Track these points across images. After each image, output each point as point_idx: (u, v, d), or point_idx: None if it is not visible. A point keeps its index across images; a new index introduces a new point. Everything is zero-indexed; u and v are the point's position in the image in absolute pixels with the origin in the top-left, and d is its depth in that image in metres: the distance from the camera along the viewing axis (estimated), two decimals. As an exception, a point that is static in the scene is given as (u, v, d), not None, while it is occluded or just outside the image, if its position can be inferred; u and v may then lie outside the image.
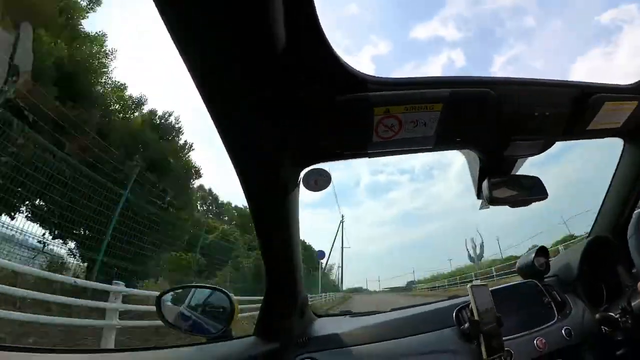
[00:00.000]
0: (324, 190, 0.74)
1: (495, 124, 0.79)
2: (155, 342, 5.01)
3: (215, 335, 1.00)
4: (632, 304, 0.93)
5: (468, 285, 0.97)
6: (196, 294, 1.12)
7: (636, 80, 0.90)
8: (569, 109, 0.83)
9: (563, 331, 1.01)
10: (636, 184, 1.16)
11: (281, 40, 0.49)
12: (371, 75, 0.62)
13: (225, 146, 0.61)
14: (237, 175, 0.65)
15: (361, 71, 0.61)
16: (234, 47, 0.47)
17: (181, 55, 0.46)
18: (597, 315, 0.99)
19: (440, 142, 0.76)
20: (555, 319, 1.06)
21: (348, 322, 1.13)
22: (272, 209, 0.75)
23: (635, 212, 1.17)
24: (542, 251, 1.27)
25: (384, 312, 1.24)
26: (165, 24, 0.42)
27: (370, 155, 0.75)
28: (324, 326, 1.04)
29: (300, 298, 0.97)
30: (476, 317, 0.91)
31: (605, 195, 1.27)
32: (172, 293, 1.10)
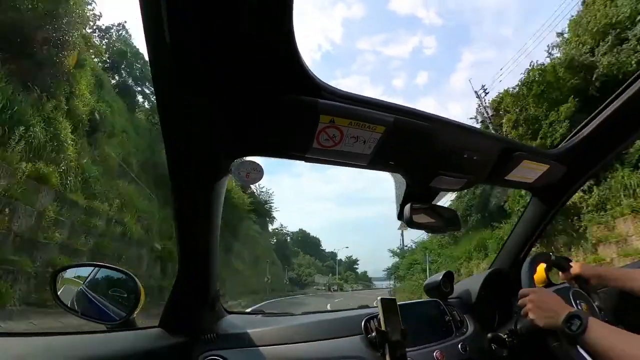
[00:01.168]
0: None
1: (428, 156, 0.87)
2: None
3: (118, 323, 0.92)
4: (518, 326, 1.10)
5: (378, 298, 1.04)
6: (99, 274, 1.00)
7: (555, 148, 1.10)
8: (494, 159, 0.97)
9: (459, 346, 1.15)
10: (535, 231, 1.39)
11: (244, 28, 0.48)
12: (325, 83, 0.63)
13: (160, 116, 0.58)
14: (166, 148, 0.61)
15: (317, 76, 0.61)
16: (194, 22, 0.46)
17: (145, 34, 0.45)
18: (489, 335, 1.14)
19: (375, 162, 0.81)
20: (454, 335, 1.19)
21: (259, 322, 1.12)
22: (196, 194, 0.72)
23: (531, 253, 1.41)
24: (448, 275, 1.43)
25: (297, 314, 1.26)
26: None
27: (307, 160, 0.76)
28: (234, 323, 1.02)
29: (213, 291, 0.93)
30: (383, 328, 0.97)
31: (509, 235, 1.51)
32: (71, 270, 0.98)
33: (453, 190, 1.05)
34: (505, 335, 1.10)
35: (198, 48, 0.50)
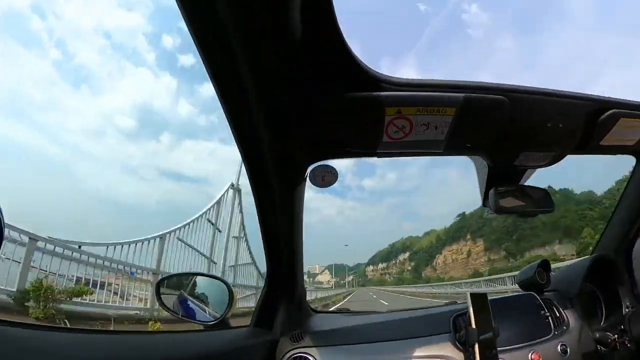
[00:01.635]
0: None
1: (507, 132, 0.78)
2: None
3: (213, 323, 1.01)
4: (631, 325, 0.92)
5: (467, 293, 0.96)
6: (196, 281, 1.13)
7: None
8: (583, 123, 0.82)
9: (559, 347, 1.00)
10: None
11: (297, 35, 0.49)
12: (385, 75, 0.62)
13: (235, 138, 0.61)
14: (245, 167, 0.66)
15: (375, 70, 0.60)
16: (249, 42, 0.47)
17: (199, 51, 0.47)
18: (596, 335, 0.97)
19: (450, 147, 0.76)
20: (552, 334, 1.05)
21: (344, 320, 1.14)
22: (277, 202, 0.75)
23: None
24: (544, 264, 1.26)
25: (381, 312, 1.24)
26: (187, 24, 0.43)
27: (379, 155, 0.75)
28: (320, 322, 1.05)
29: (299, 292, 0.97)
30: (473, 326, 0.90)
31: (613, 213, 1.26)
32: (172, 279, 1.11)
33: (541, 166, 0.92)
34: (615, 336, 0.93)
35: (255, 53, 0.51)
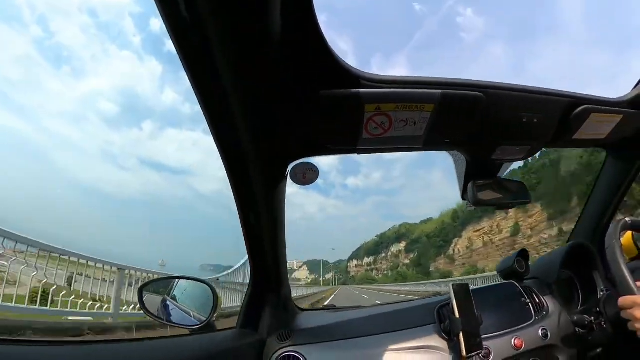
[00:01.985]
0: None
1: (484, 127, 0.80)
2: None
3: (198, 326, 1.00)
4: (606, 308, 0.97)
5: (450, 284, 0.99)
6: (179, 285, 1.10)
7: (623, 94, 0.94)
8: (557, 118, 0.85)
9: (540, 332, 1.04)
10: (616, 195, 1.20)
11: (276, 30, 0.48)
12: (364, 72, 0.62)
13: (213, 135, 0.60)
14: (225, 165, 0.64)
15: (354, 67, 0.61)
16: (228, 39, 0.46)
17: (174, 43, 0.45)
18: (574, 318, 1.02)
19: (429, 142, 0.77)
20: (533, 319, 1.09)
21: (331, 317, 1.14)
22: (258, 201, 0.74)
23: (613, 222, 1.22)
24: (523, 254, 1.30)
25: (367, 307, 1.25)
26: (162, 18, 0.42)
27: (359, 152, 0.75)
28: (308, 320, 1.05)
29: (285, 291, 0.97)
30: (457, 315, 0.93)
31: (586, 203, 1.32)
32: (154, 284, 1.08)
33: (517, 160, 0.96)
34: (592, 318, 0.97)
35: (234, 51, 0.50)
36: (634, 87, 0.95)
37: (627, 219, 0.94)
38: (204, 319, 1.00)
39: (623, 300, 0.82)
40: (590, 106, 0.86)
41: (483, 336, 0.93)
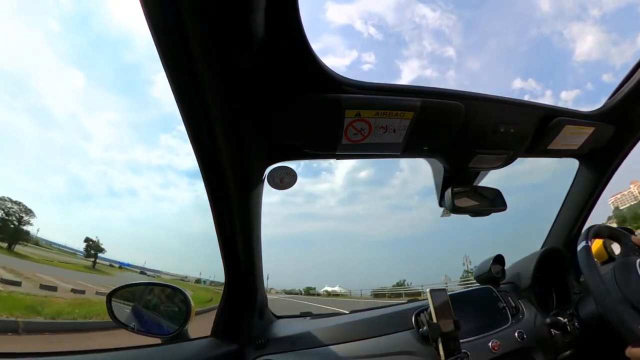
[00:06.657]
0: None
1: (462, 136, 0.82)
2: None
3: (171, 335, 0.95)
4: (579, 309, 1.00)
5: (427, 289, 0.99)
6: (151, 292, 1.05)
7: (596, 108, 0.99)
8: (533, 128, 0.89)
9: (516, 334, 1.07)
10: (587, 202, 1.26)
11: (258, 32, 0.47)
12: (346, 77, 0.62)
13: (189, 135, 0.58)
14: (200, 169, 0.62)
15: (337, 72, 0.60)
16: (208, 42, 0.45)
17: (155, 43, 0.44)
18: (548, 320, 1.05)
19: (408, 150, 0.77)
20: (509, 322, 1.12)
21: (308, 324, 1.12)
22: (234, 206, 0.72)
23: (585, 227, 1.28)
24: (498, 259, 1.34)
25: (345, 313, 1.24)
26: (147, 18, 0.41)
27: (338, 157, 0.75)
28: (284, 327, 1.02)
29: (260, 298, 0.94)
30: (435, 320, 0.93)
31: (559, 211, 1.39)
32: (124, 290, 1.03)
33: (493, 168, 0.98)
34: (566, 319, 1.01)
35: (215, 54, 0.49)
36: (606, 101, 1.00)
37: (596, 225, 0.98)
38: (177, 327, 0.96)
39: (632, 353, 0.76)
40: (564, 118, 0.90)
41: (461, 340, 0.94)
